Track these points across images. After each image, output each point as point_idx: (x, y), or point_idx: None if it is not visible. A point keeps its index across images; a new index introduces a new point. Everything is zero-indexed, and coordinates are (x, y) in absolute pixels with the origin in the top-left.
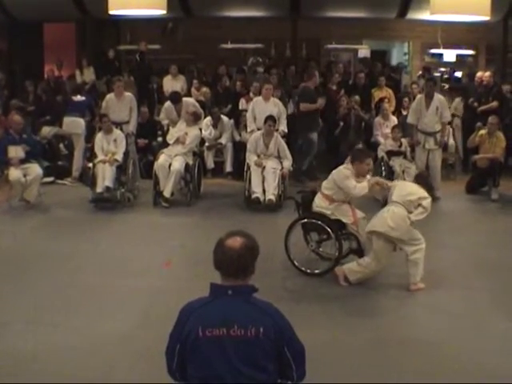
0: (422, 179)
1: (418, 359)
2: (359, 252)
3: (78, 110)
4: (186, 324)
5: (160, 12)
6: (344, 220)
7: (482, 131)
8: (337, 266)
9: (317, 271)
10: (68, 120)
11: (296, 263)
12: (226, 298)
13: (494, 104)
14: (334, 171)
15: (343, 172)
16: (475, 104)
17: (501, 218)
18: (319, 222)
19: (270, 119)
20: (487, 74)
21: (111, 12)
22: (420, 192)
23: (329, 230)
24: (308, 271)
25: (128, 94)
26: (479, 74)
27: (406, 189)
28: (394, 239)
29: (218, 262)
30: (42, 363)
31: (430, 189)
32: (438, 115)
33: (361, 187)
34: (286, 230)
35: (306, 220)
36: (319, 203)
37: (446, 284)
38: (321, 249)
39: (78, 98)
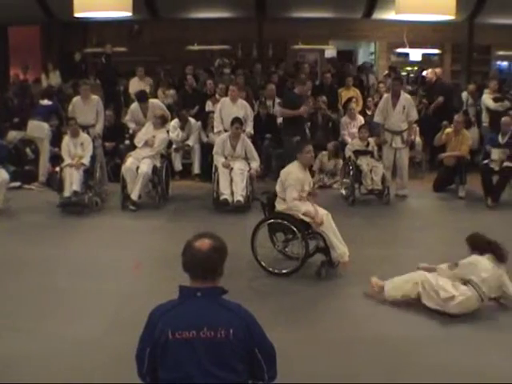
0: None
1: (388, 357)
2: (326, 250)
3: (43, 114)
4: (155, 327)
5: (126, 14)
6: (306, 219)
7: (448, 129)
8: (303, 264)
9: (284, 271)
10: (32, 124)
11: (263, 263)
12: (195, 300)
13: (440, 99)
14: (282, 171)
15: (289, 177)
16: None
17: (468, 215)
18: (285, 222)
19: (237, 121)
20: (429, 70)
21: (77, 14)
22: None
23: (295, 229)
24: (275, 271)
25: (94, 97)
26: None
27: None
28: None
29: (187, 264)
30: (13, 369)
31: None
32: (404, 114)
33: (299, 206)
34: (252, 231)
35: (272, 220)
36: (279, 207)
37: None
38: (287, 249)
39: (45, 102)
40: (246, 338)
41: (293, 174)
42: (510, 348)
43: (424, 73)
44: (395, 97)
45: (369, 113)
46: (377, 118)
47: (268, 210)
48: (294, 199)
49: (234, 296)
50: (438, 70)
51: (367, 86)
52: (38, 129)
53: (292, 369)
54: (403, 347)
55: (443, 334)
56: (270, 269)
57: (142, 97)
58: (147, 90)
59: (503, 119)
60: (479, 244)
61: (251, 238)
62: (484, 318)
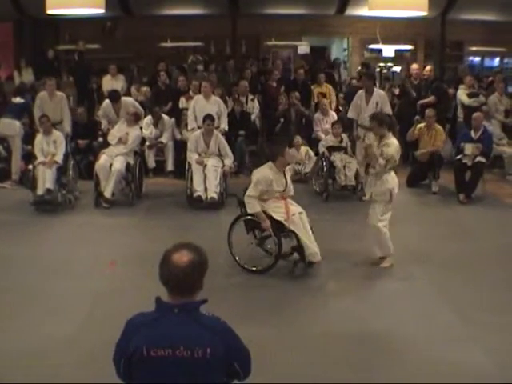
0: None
1: (363, 352)
2: (300, 249)
3: (15, 112)
4: (131, 340)
5: (99, 11)
6: (277, 217)
7: (421, 125)
8: (277, 261)
9: (254, 268)
10: (3, 121)
11: (238, 260)
12: (172, 316)
13: (432, 99)
14: (254, 171)
15: (256, 175)
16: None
17: (441, 210)
18: (257, 219)
19: (209, 118)
20: (428, 68)
21: (49, 11)
22: None
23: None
24: (247, 267)
25: (60, 94)
26: (414, 65)
27: None
28: None
29: (164, 278)
30: None
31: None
32: (377, 110)
33: (252, 205)
34: (229, 227)
35: (248, 217)
36: None
37: (388, 275)
38: (269, 245)
39: (18, 100)
40: (224, 354)
41: (261, 173)
42: (491, 345)
43: (396, 69)
44: (368, 93)
45: (340, 108)
46: (350, 114)
47: (244, 207)
48: (251, 197)
49: (209, 293)
50: (428, 67)
51: (339, 82)
52: (9, 127)
53: (267, 365)
54: (380, 344)
55: (424, 331)
56: (245, 265)
57: (114, 97)
58: (120, 86)
59: (474, 115)
60: (386, 120)
61: (228, 234)
62: (462, 315)
